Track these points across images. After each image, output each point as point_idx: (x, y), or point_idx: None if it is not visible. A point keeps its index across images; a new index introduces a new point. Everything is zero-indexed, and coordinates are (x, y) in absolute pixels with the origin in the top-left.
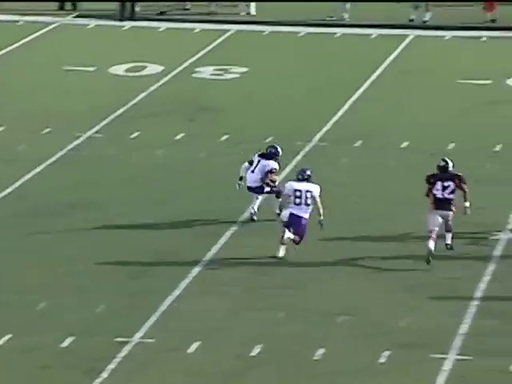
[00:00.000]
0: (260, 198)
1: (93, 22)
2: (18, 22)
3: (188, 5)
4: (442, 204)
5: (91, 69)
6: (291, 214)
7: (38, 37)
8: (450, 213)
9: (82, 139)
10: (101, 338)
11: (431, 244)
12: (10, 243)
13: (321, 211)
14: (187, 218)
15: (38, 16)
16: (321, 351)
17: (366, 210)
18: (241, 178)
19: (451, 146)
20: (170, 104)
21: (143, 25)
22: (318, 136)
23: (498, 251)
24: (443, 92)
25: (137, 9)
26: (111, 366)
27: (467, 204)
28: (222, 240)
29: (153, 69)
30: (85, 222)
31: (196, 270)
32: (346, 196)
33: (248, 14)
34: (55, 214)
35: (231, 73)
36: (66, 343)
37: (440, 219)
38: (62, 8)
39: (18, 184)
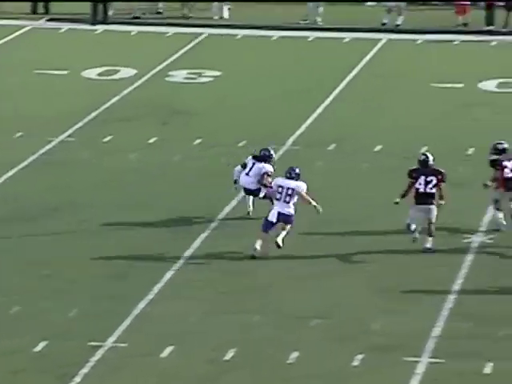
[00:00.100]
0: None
1: (65, 26)
2: None
3: (161, 8)
4: (423, 198)
5: (64, 72)
6: (279, 213)
7: (10, 40)
8: (432, 206)
9: (54, 143)
10: (74, 343)
11: (416, 234)
12: None
13: (313, 203)
14: (160, 221)
15: (10, 19)
16: (295, 354)
17: (339, 213)
18: (235, 182)
19: (424, 149)
20: (143, 108)
21: (116, 28)
22: (291, 140)
23: (471, 254)
24: (416, 95)
25: (109, 12)
26: (84, 371)
27: (442, 202)
28: (196, 243)
29: (126, 72)
30: (57, 226)
31: (170, 274)
32: (320, 199)
33: (221, 17)
34: (28, 218)
35: (204, 76)
36: (39, 347)
37: (421, 215)
38: (34, 11)
39: None
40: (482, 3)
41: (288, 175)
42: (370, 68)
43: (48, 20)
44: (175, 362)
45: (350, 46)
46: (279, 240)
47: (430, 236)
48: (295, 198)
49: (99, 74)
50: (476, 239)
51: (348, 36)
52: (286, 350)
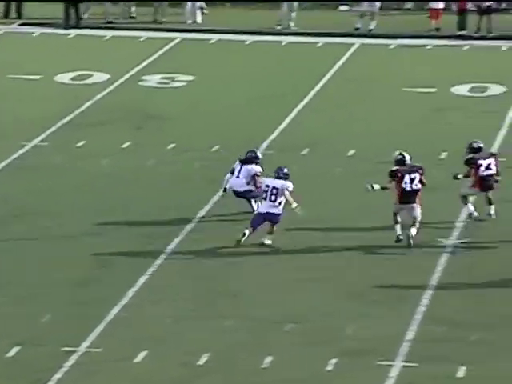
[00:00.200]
0: (253, 201)
1: (38, 30)
2: None
3: (134, 13)
4: (408, 197)
5: (37, 77)
6: (266, 213)
7: None
8: (415, 205)
9: (27, 148)
10: (47, 348)
11: (398, 229)
12: None
13: (292, 205)
14: (134, 226)
15: None
16: (268, 359)
17: (313, 217)
18: (225, 190)
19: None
20: (116, 112)
21: (89, 33)
22: (264, 144)
23: (444, 258)
24: (389, 100)
25: (85, 16)
26: (57, 376)
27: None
28: (170, 248)
29: (99, 77)
30: (30, 230)
31: (143, 278)
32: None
33: (194, 22)
34: (0, 222)
35: (178, 81)
36: (11, 353)
37: (405, 213)
38: (6, 16)
39: None
40: (454, 8)
41: (276, 175)
42: (344, 73)
43: (20, 24)
44: (149, 367)
45: (324, 50)
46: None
47: (413, 225)
48: (282, 197)
49: (72, 79)
50: (449, 243)
51: (321, 41)
52: (259, 355)
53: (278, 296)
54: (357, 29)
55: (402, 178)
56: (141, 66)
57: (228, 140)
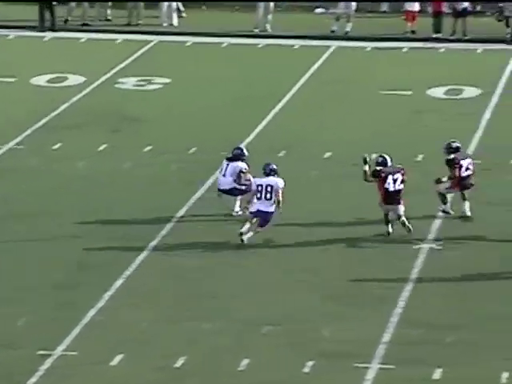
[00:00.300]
0: (238, 198)
1: (13, 33)
2: None
3: (109, 15)
4: (392, 198)
5: (12, 80)
6: (258, 210)
7: None
8: (399, 206)
9: (3, 151)
10: (22, 351)
11: (389, 227)
12: None
13: (280, 205)
14: (110, 229)
15: None
16: (245, 362)
17: (288, 219)
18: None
19: (374, 156)
20: (92, 115)
21: (64, 35)
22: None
23: (420, 261)
24: (365, 103)
25: (69, 18)
26: (33, 380)
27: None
28: (146, 251)
29: (75, 79)
30: (6, 234)
31: (120, 281)
32: None
33: (171, 24)
34: None
35: (154, 84)
36: None
37: (391, 214)
38: None
39: None
40: (430, 10)
41: (264, 172)
42: (320, 75)
43: None
44: (125, 370)
45: (300, 53)
46: (244, 237)
47: (409, 231)
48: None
49: (48, 81)
50: (425, 246)
51: (297, 43)
52: (236, 358)
53: (256, 298)
54: (333, 31)
55: (386, 178)
56: (117, 69)
57: (205, 142)
